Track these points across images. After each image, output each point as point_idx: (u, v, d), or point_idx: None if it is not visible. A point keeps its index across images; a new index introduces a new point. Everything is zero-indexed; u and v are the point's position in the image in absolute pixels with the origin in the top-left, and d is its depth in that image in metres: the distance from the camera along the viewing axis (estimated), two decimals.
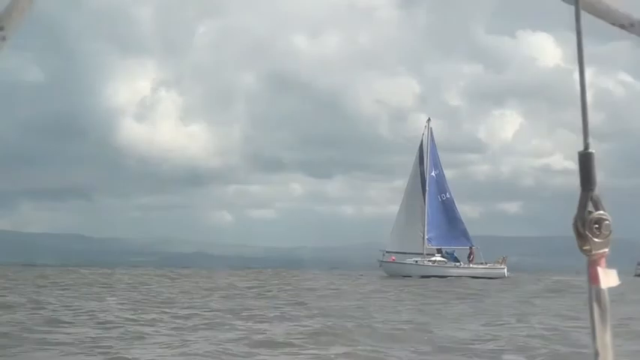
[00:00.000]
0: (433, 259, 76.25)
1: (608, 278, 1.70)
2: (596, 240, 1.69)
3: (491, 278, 68.92)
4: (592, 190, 1.69)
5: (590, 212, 1.69)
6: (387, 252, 77.75)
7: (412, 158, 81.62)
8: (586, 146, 1.70)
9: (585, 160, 1.69)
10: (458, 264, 75.69)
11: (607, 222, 1.69)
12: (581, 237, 1.70)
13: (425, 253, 76.84)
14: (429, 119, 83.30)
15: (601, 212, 1.69)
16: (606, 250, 1.69)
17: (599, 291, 1.69)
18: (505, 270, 74.61)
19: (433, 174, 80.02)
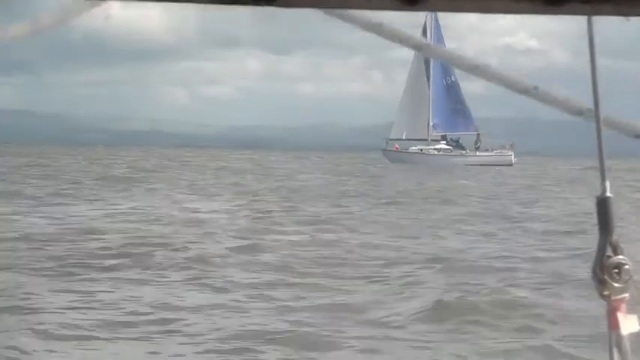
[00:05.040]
0: (438, 146, 72.83)
1: (629, 324, 1.69)
2: (615, 285, 1.68)
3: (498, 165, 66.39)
4: (610, 234, 1.68)
5: (609, 257, 1.68)
6: (390, 139, 74.04)
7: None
8: (603, 190, 1.69)
9: (603, 205, 1.67)
10: (464, 152, 72.42)
11: (627, 267, 1.68)
12: (601, 282, 1.68)
13: (430, 139, 73.36)
14: None
15: (620, 257, 1.68)
16: (626, 295, 1.69)
17: (619, 336, 1.68)
18: (512, 156, 71.76)
19: None
